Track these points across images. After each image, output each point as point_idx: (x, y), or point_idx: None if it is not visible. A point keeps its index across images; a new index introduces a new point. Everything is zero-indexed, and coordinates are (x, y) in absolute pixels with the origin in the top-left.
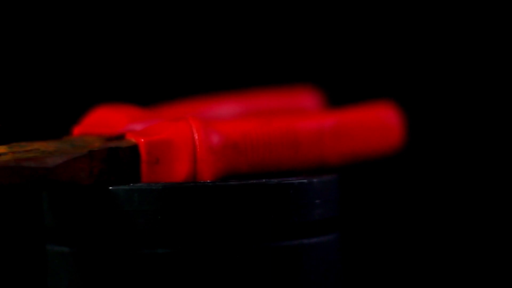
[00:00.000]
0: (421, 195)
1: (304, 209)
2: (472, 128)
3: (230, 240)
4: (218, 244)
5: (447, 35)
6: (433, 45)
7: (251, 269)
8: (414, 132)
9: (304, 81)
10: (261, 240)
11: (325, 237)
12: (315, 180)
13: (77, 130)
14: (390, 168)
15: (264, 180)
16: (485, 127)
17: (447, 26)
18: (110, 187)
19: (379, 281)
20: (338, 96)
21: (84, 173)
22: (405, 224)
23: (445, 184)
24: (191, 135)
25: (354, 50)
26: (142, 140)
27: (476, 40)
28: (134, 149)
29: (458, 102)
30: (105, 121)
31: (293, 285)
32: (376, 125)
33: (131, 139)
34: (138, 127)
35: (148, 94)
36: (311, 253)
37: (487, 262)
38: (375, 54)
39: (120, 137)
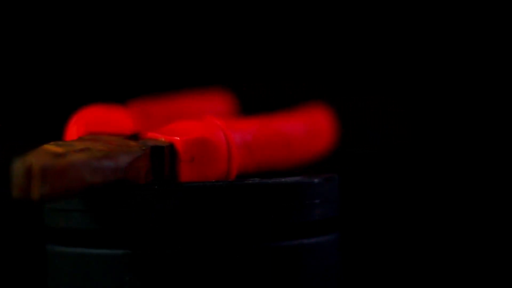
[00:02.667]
0: (421, 195)
1: (304, 209)
2: (472, 128)
3: (230, 240)
4: (218, 244)
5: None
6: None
7: (251, 269)
8: (413, 133)
9: (215, 84)
10: (261, 240)
11: (325, 237)
12: (315, 180)
13: (78, 130)
14: (390, 168)
15: (264, 180)
16: (484, 127)
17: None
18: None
19: (379, 281)
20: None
21: (142, 172)
22: (405, 224)
23: (445, 184)
24: (224, 135)
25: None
26: (179, 138)
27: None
28: (171, 148)
29: (458, 103)
30: (106, 121)
31: (293, 285)
32: (320, 127)
33: (161, 138)
34: (141, 127)
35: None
36: (311, 253)
37: (487, 262)
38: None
39: (136, 136)
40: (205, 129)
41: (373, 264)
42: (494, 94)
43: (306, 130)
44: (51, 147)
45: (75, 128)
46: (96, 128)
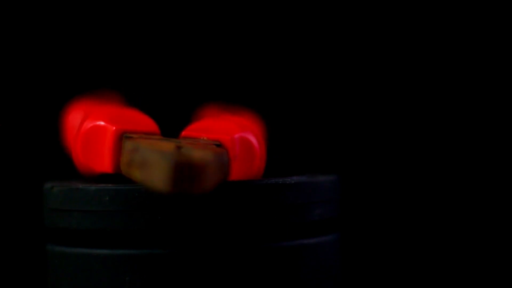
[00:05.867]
0: (421, 195)
1: (304, 209)
2: (472, 128)
3: (230, 240)
4: (218, 244)
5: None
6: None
7: (251, 269)
8: (414, 133)
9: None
10: (261, 240)
11: (325, 237)
12: (315, 180)
13: (110, 129)
14: (390, 168)
15: (264, 180)
16: (484, 127)
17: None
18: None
19: (379, 281)
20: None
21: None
22: (405, 224)
23: (445, 184)
24: (257, 133)
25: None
26: (227, 137)
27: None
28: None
29: (457, 103)
30: (134, 119)
31: (293, 285)
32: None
33: (202, 137)
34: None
35: None
36: (311, 253)
37: (487, 262)
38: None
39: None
40: (241, 128)
41: (373, 264)
42: (493, 94)
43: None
44: (163, 144)
45: (108, 126)
46: (127, 126)
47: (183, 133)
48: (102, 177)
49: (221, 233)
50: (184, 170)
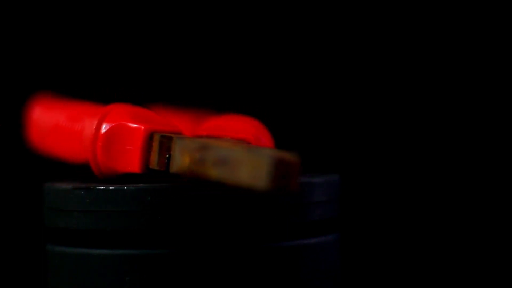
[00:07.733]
0: (421, 195)
1: (304, 209)
2: (471, 128)
3: (230, 240)
4: (218, 244)
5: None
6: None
7: (251, 269)
8: (414, 133)
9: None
10: (261, 240)
11: (325, 237)
12: (315, 180)
13: (139, 128)
14: (390, 168)
15: None
16: (483, 127)
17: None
18: (111, 187)
19: (379, 281)
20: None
21: None
22: (405, 224)
23: (445, 184)
24: (268, 131)
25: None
26: (251, 136)
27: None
28: None
29: (456, 103)
30: (155, 118)
31: (293, 285)
32: None
33: (224, 136)
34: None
35: None
36: (311, 253)
37: (487, 262)
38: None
39: (175, 133)
40: (256, 127)
41: (373, 264)
42: (492, 94)
43: None
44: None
45: (138, 125)
46: (154, 125)
47: (204, 132)
48: (101, 178)
49: (221, 233)
50: (283, 168)
